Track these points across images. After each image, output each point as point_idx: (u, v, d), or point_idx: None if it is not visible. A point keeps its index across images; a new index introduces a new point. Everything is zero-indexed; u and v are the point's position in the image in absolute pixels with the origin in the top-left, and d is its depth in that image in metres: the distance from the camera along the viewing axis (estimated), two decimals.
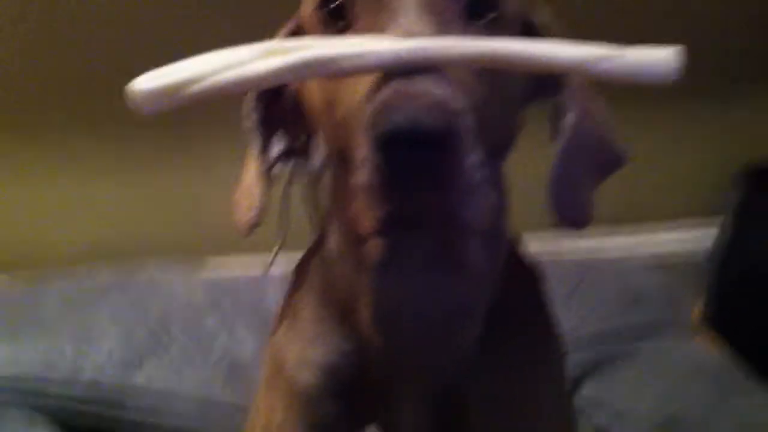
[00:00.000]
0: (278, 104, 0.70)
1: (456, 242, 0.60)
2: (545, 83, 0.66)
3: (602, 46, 0.55)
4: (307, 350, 0.71)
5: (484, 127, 0.53)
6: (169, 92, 0.53)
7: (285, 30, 0.67)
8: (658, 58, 0.54)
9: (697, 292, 1.55)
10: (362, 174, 0.50)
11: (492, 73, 0.56)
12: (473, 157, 0.50)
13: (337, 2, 0.58)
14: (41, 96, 1.39)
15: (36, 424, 1.18)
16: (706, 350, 1.36)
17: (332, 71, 0.53)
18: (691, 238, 1.58)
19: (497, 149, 0.62)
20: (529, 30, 0.64)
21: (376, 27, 0.55)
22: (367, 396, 0.69)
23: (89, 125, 1.42)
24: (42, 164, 1.45)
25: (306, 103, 0.65)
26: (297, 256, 0.79)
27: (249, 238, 1.52)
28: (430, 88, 0.49)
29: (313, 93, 0.62)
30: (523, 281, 0.74)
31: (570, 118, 0.66)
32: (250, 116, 0.70)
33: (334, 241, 0.70)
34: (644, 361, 1.32)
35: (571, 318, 1.37)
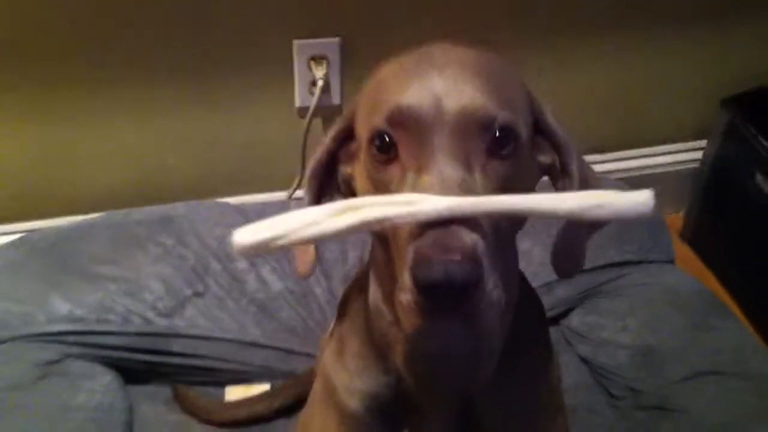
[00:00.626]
0: (330, 182, 0.79)
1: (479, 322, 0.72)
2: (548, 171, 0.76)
3: (593, 194, 0.65)
4: (354, 380, 0.84)
5: (499, 250, 0.64)
6: (261, 247, 0.64)
7: (337, 128, 0.76)
8: (637, 201, 0.64)
9: (677, 206, 1.67)
10: (404, 295, 0.61)
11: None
12: (491, 283, 0.61)
13: (386, 142, 0.67)
14: (71, 46, 1.43)
15: (96, 373, 1.33)
16: (684, 280, 1.50)
17: (388, 226, 0.64)
18: (677, 160, 1.69)
19: (506, 247, 0.73)
20: (540, 129, 0.73)
21: (417, 165, 0.64)
22: (402, 416, 0.83)
23: (121, 74, 1.48)
24: (72, 113, 1.50)
25: (356, 180, 0.75)
26: None
27: (269, 180, 1.62)
28: (460, 237, 0.59)
29: (363, 175, 0.72)
30: (529, 311, 0.86)
31: (576, 181, 0.75)
32: (308, 183, 0.78)
33: (374, 295, 0.80)
34: (626, 294, 1.46)
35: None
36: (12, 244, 1.48)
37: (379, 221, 0.63)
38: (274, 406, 1.36)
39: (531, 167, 0.73)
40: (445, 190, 0.62)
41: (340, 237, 0.67)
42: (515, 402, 0.84)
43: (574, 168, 0.73)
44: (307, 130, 1.54)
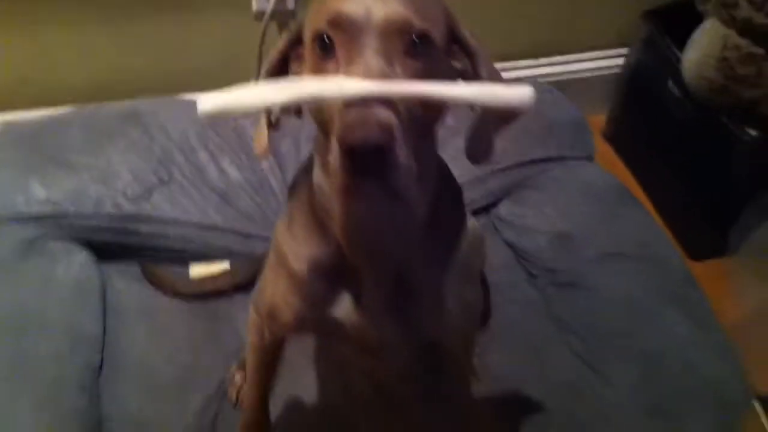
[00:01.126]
0: (283, 72, 0.91)
1: (398, 185, 0.87)
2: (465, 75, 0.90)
3: (486, 87, 0.80)
4: (301, 247, 0.99)
5: (416, 127, 0.78)
6: (219, 114, 0.76)
7: (288, 35, 0.88)
8: (520, 95, 0.78)
9: (601, 108, 1.83)
10: (333, 159, 0.75)
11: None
12: (403, 152, 0.75)
13: (325, 43, 0.81)
14: None
15: (73, 251, 1.49)
16: (599, 175, 1.67)
17: (320, 101, 0.78)
18: (601, 65, 1.84)
19: (425, 136, 0.87)
20: (456, 39, 0.87)
21: (348, 59, 0.78)
22: (343, 279, 0.99)
23: None
24: (53, 17, 1.61)
25: None
26: None
27: (228, 78, 1.73)
28: (380, 114, 0.73)
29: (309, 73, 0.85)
30: (447, 194, 1.02)
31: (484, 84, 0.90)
32: (263, 78, 0.91)
33: (317, 174, 0.95)
34: (548, 186, 1.63)
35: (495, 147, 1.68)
36: None
37: (313, 96, 0.77)
38: (234, 282, 1.54)
39: (446, 70, 0.87)
40: (369, 77, 0.75)
41: (285, 107, 0.83)
42: (435, 264, 0.99)
43: (483, 72, 0.87)
44: (264, 33, 1.66)
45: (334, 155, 0.75)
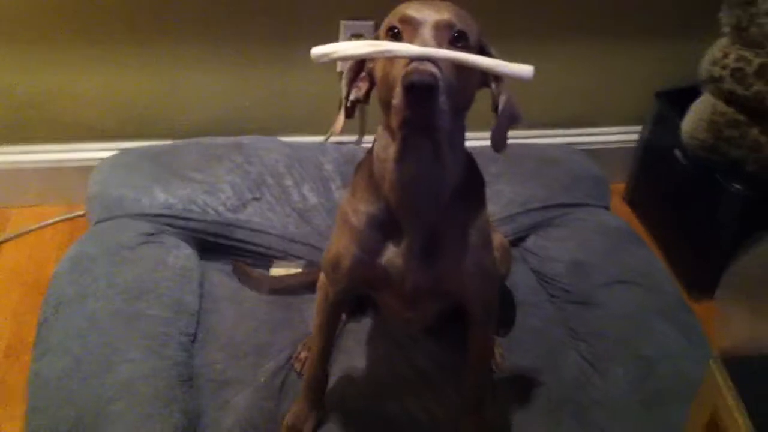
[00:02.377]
0: (359, 73, 1.24)
1: (438, 146, 1.16)
2: (488, 80, 1.21)
3: (500, 62, 1.11)
4: (359, 206, 1.29)
5: (451, 92, 1.08)
6: (324, 57, 1.10)
7: (383, 29, 1.19)
8: (524, 69, 1.10)
9: (622, 176, 2.16)
10: (396, 100, 1.04)
11: (460, 67, 1.10)
12: (443, 100, 1.05)
13: (396, 32, 1.12)
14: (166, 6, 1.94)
15: (181, 245, 1.82)
16: (614, 220, 1.97)
17: (391, 55, 1.09)
18: (621, 139, 2.18)
19: (460, 108, 1.17)
20: (482, 50, 1.18)
21: (411, 38, 1.09)
22: (389, 231, 1.28)
23: (209, 32, 1.98)
24: (181, 61, 2.01)
25: (374, 74, 1.19)
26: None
27: (312, 122, 2.11)
28: (429, 67, 1.03)
29: (379, 69, 1.16)
30: (472, 177, 1.31)
31: (503, 99, 1.21)
32: (345, 78, 1.24)
33: (376, 147, 1.25)
34: (570, 225, 1.93)
35: (529, 192, 2.00)
36: (129, 151, 1.99)
37: (388, 52, 1.09)
38: (305, 282, 1.82)
39: None
40: (424, 47, 1.08)
41: (368, 56, 1.14)
42: (458, 229, 1.29)
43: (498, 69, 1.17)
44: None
45: (398, 97, 1.05)
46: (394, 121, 1.08)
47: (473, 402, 1.52)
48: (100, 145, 2.06)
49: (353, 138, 2.15)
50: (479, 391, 1.52)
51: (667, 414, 1.52)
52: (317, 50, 1.10)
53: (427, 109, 1.05)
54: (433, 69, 1.05)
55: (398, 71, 1.07)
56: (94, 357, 1.56)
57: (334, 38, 2.00)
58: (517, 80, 1.10)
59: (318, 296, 1.49)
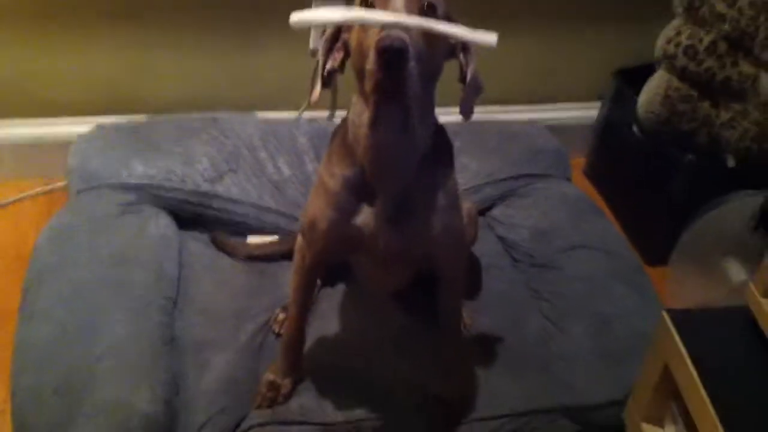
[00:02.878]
0: (335, 43, 1.30)
1: (409, 112, 1.23)
2: (454, 51, 1.29)
3: (468, 30, 1.17)
4: (335, 169, 1.36)
5: (421, 59, 1.15)
6: (302, 23, 1.15)
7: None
8: (488, 37, 1.17)
9: (582, 151, 2.27)
10: (370, 65, 1.11)
11: (429, 36, 1.17)
12: (413, 65, 1.12)
13: (369, 2, 1.18)
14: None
15: (159, 214, 1.88)
16: (574, 191, 2.08)
17: (365, 23, 1.16)
18: (581, 115, 2.29)
19: (429, 76, 1.24)
20: (448, 19, 1.24)
21: (383, 7, 1.15)
22: (363, 194, 1.35)
23: (182, 10, 2.04)
24: (159, 41, 2.08)
25: (350, 43, 1.26)
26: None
27: (284, 99, 2.18)
28: (401, 34, 1.10)
29: (353, 38, 1.24)
30: (441, 143, 1.40)
31: (470, 71, 1.28)
32: (321, 47, 1.30)
33: (351, 114, 1.32)
34: (533, 195, 2.03)
35: (493, 165, 2.10)
36: (106, 126, 2.04)
37: (361, 19, 1.16)
38: (280, 251, 1.90)
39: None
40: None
41: (343, 23, 1.23)
42: (428, 192, 1.37)
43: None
44: (316, 66, 2.11)
45: (371, 63, 1.12)
46: (368, 86, 1.15)
47: (449, 363, 1.61)
48: (78, 120, 2.11)
49: (325, 114, 2.22)
50: (454, 352, 1.61)
51: (624, 366, 1.62)
52: (296, 16, 1.17)
53: (398, 73, 1.12)
54: (404, 35, 1.12)
55: (371, 39, 1.15)
56: (80, 321, 1.62)
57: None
58: (483, 47, 1.18)
59: (295, 258, 1.56)
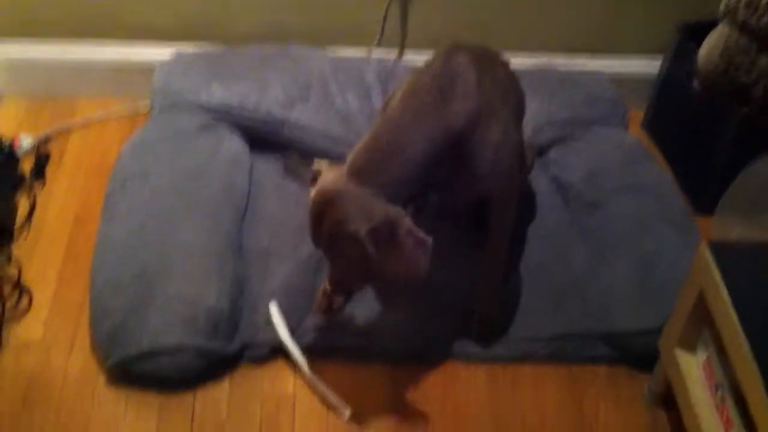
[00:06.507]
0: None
1: None
2: None
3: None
4: None
5: None
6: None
7: None
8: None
9: (640, 105, 2.35)
10: None
11: None
12: None
13: None
14: None
15: (234, 135, 2.04)
16: (629, 137, 2.16)
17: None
18: (642, 69, 2.35)
19: None
20: None
21: None
22: None
23: None
24: None
25: None
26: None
27: (355, 37, 2.30)
28: None
29: None
30: None
31: None
32: None
33: None
34: (589, 140, 2.11)
35: (553, 107, 2.18)
36: (187, 53, 2.20)
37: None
38: None
39: None
40: None
41: None
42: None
43: None
44: (386, 7, 2.21)
45: None
46: None
47: (487, 283, 1.73)
48: (161, 45, 2.26)
49: (394, 53, 2.33)
50: (493, 274, 1.72)
51: (662, 299, 1.70)
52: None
53: None
54: None
55: None
56: (157, 223, 1.79)
57: None
58: None
59: None
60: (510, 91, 1.62)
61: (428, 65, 1.53)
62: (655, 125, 2.35)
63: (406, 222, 1.37)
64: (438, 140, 1.43)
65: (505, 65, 1.68)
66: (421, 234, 1.36)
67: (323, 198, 1.41)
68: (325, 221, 1.40)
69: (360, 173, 1.40)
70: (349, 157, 1.43)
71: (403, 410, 1.63)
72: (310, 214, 1.44)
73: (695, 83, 2.14)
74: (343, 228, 1.37)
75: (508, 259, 1.76)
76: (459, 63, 1.49)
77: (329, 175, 1.43)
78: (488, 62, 1.58)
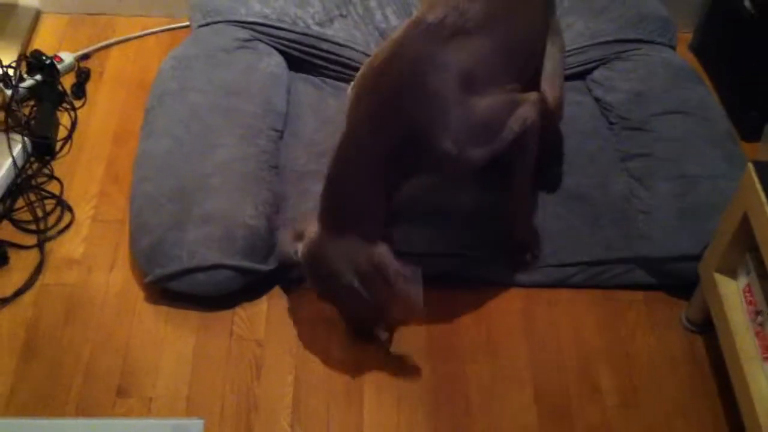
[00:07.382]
0: None
1: None
2: None
3: None
4: None
5: None
6: None
7: None
8: None
9: (689, 27, 2.26)
10: None
11: None
12: None
13: None
14: None
15: (272, 53, 2.01)
16: (677, 58, 2.08)
17: None
18: None
19: None
20: None
21: None
22: None
23: None
24: None
25: None
26: None
27: None
28: None
29: None
30: None
31: None
32: None
33: None
34: (635, 60, 2.04)
35: (599, 26, 2.10)
36: None
37: None
38: None
39: None
40: None
41: None
42: None
43: None
44: None
45: None
46: None
47: (517, 210, 1.73)
48: None
49: None
50: (520, 200, 1.72)
51: (704, 224, 1.67)
52: None
53: None
54: None
55: None
56: (195, 139, 1.78)
57: None
58: None
59: None
60: None
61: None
62: (703, 47, 2.27)
63: (392, 262, 1.43)
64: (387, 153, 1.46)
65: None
66: (408, 270, 1.43)
67: (311, 258, 1.49)
68: (319, 279, 1.51)
69: (333, 225, 1.47)
70: (320, 204, 1.51)
71: (437, 330, 1.64)
72: (304, 274, 1.53)
73: (747, 3, 2.06)
74: (337, 282, 1.45)
75: (533, 186, 1.75)
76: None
77: (310, 231, 1.50)
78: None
